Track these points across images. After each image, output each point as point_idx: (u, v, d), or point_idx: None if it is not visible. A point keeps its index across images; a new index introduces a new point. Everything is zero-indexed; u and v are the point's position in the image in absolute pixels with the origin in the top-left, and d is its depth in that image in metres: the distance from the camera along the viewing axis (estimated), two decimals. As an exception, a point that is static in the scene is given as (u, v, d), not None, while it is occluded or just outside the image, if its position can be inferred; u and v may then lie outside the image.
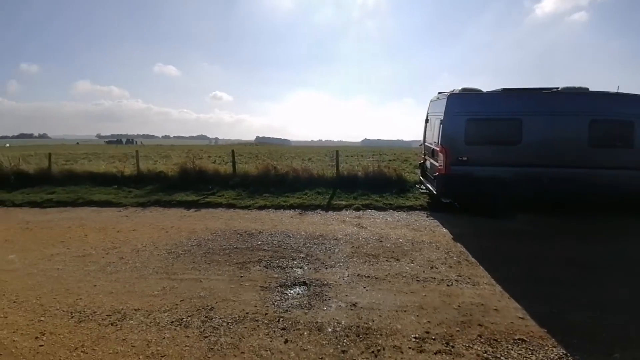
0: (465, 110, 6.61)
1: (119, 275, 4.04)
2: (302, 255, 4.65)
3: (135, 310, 3.23)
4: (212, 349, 2.65)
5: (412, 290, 3.64)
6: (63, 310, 3.24)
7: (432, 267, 4.27)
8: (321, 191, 8.86)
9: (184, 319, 3.07)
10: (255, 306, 3.30)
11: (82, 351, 2.63)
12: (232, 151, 11.30)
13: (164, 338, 2.79)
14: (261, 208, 7.61)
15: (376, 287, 3.72)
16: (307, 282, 3.84)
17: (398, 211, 7.21)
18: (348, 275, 4.01)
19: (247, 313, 3.17)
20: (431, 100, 8.20)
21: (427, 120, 8.39)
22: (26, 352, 2.64)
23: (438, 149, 6.85)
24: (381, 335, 2.83)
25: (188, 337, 2.80)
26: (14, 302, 3.43)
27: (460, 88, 6.89)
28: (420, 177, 8.70)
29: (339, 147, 15.09)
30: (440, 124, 6.75)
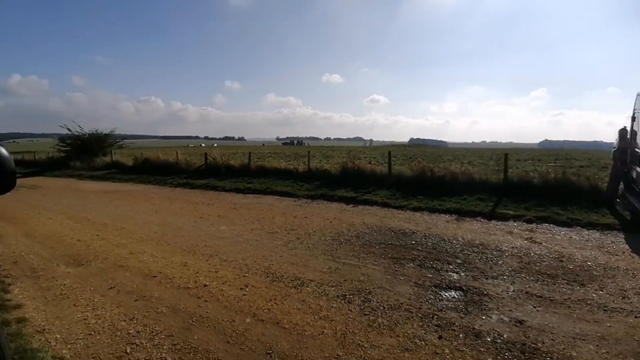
0: None
1: (297, 252, 4.96)
2: (458, 261, 4.50)
3: (310, 280, 3.94)
4: (371, 325, 2.99)
5: (596, 320, 3.06)
6: (261, 271, 4.27)
7: (623, 297, 3.45)
8: (483, 197, 8.15)
9: (347, 296, 3.54)
10: (409, 299, 3.47)
11: (274, 302, 3.44)
12: (389, 152, 11.69)
13: (332, 307, 3.32)
14: (415, 209, 7.65)
15: (550, 309, 3.26)
16: (463, 288, 3.72)
17: (588, 229, 5.91)
18: (514, 291, 3.65)
19: (402, 303, 3.38)
20: (638, 94, 6.27)
21: (633, 118, 6.46)
22: (232, 299, 3.56)
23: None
24: (551, 358, 2.52)
25: (350, 311, 3.25)
26: (225, 261, 4.68)
27: None
28: (624, 190, 6.77)
29: (508, 150, 13.31)
30: None
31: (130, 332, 2.94)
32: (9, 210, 7.98)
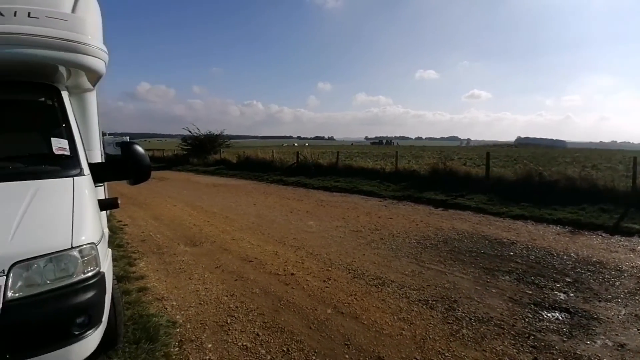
0: None
1: (380, 251, 4.98)
2: (567, 280, 3.93)
3: (391, 281, 3.93)
4: (454, 335, 2.86)
5: None
6: (343, 266, 4.43)
7: None
8: (607, 208, 6.87)
9: (430, 301, 3.44)
10: (502, 314, 3.19)
11: (354, 297, 3.55)
12: (487, 153, 10.70)
13: (413, 310, 3.27)
14: (516, 217, 6.89)
15: (656, 332, 2.74)
16: (571, 309, 3.25)
17: None
18: (624, 314, 3.12)
19: (492, 317, 3.13)
20: None
21: None
22: (315, 289, 3.74)
23: None
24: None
25: (432, 317, 3.15)
26: (310, 254, 4.96)
27: None
28: None
29: (647, 152, 10.85)
30: None
31: (231, 306, 3.40)
32: (141, 197, 9.81)
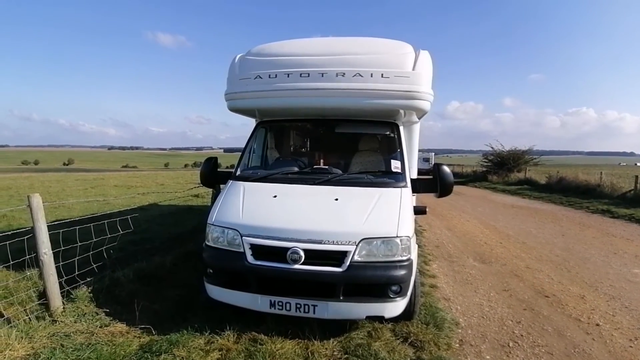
0: None
1: None
2: None
3: None
4: None
5: None
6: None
7: None
8: None
9: None
10: None
11: None
12: None
13: None
14: None
15: None
16: None
17: None
18: None
19: None
20: None
21: None
22: (617, 345, 3.13)
23: None
24: None
25: None
26: (626, 307, 3.90)
27: None
28: None
29: None
30: None
31: (515, 332, 3.33)
32: (439, 209, 10.73)
